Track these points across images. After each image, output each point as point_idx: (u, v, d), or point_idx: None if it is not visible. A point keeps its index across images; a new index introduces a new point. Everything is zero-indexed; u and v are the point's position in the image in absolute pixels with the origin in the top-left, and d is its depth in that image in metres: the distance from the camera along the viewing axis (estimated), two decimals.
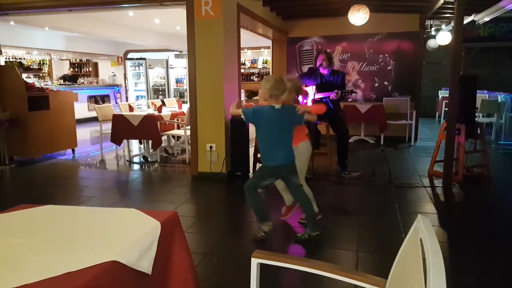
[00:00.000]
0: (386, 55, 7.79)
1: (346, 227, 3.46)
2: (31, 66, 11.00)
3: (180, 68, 12.87)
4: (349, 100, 5.19)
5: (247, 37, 7.14)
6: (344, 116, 5.22)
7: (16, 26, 7.74)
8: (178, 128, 6.37)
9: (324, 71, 4.82)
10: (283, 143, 2.93)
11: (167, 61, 12.99)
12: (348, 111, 7.05)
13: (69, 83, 11.46)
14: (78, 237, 1.52)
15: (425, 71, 9.16)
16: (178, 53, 13.10)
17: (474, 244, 3.09)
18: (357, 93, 7.13)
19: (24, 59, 10.86)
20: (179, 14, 5.28)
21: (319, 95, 4.79)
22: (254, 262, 1.52)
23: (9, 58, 10.18)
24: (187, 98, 11.57)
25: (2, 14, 5.54)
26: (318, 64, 4.83)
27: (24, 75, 7.47)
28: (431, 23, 8.66)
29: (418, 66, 7.72)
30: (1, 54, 5.81)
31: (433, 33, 8.66)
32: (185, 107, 6.36)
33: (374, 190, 4.53)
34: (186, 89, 12.40)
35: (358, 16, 5.87)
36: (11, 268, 1.25)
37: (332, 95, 4.65)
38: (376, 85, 7.94)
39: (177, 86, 13.06)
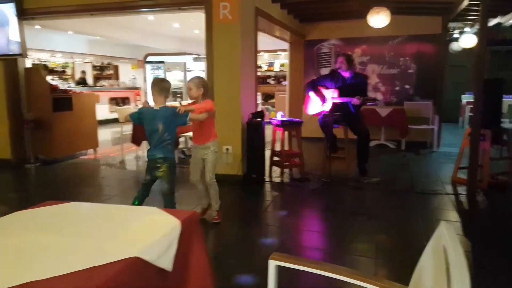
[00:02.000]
0: (407, 58, 7.66)
1: (365, 232, 3.41)
2: (55, 69, 11.35)
3: (197, 71, 13.01)
4: (369, 104, 5.11)
5: (264, 40, 7.16)
6: (364, 119, 5.15)
7: (41, 30, 7.99)
8: None
9: (345, 74, 4.77)
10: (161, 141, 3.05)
11: (185, 65, 13.15)
12: (368, 114, 6.94)
13: (82, 85, 11.58)
14: (101, 233, 1.56)
15: (448, 75, 8.96)
16: (196, 56, 13.24)
17: (500, 254, 2.99)
18: (378, 101, 7.02)
19: (48, 61, 11.19)
20: (197, 18, 5.34)
21: (339, 99, 4.74)
22: (272, 264, 1.52)
23: (34, 61, 10.51)
24: None
25: (28, 18, 5.72)
26: (337, 66, 4.80)
27: (48, 77, 7.69)
28: (454, 25, 8.47)
29: (441, 69, 7.55)
30: (27, 56, 5.98)
31: (456, 35, 8.48)
32: None
33: (395, 196, 4.44)
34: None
35: (378, 19, 5.81)
36: (36, 261, 1.30)
37: (354, 101, 4.58)
38: (397, 88, 7.83)
39: None
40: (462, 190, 4.54)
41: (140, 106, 3.24)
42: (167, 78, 4.63)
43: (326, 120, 4.81)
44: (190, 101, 3.57)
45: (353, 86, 4.73)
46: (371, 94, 7.17)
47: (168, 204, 3.16)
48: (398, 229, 3.49)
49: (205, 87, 3.40)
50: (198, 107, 3.24)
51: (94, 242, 1.46)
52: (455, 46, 8.61)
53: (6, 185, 5.20)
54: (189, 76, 13.14)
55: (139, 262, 1.33)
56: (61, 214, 1.78)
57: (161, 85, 3.06)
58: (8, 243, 1.44)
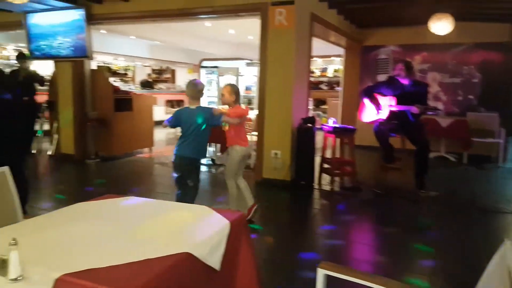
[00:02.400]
0: (472, 66, 7.20)
1: (419, 249, 3.22)
2: (117, 71, 12.09)
3: (250, 76, 13.17)
4: (429, 113, 4.84)
5: (318, 45, 7.08)
6: (423, 129, 4.88)
7: (106, 34, 8.55)
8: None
9: (404, 81, 4.56)
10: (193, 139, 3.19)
11: (238, 69, 13.38)
12: (428, 125, 6.59)
13: (147, 88, 12.24)
14: (156, 227, 1.61)
15: None
16: (249, 61, 13.42)
17: None
18: (440, 110, 6.65)
19: (112, 64, 11.95)
20: (252, 24, 5.42)
21: (398, 107, 4.54)
22: (321, 273, 1.50)
23: (99, 63, 11.28)
24: (255, 105, 11.80)
25: (95, 23, 6.15)
26: (395, 73, 4.61)
27: (111, 79, 8.20)
28: None
29: (509, 79, 7.00)
30: (93, 59, 6.43)
31: None
32: (253, 114, 6.47)
33: (454, 212, 4.17)
34: (254, 96, 12.64)
35: (441, 25, 5.53)
36: (97, 250, 1.37)
37: (413, 109, 4.37)
38: (460, 98, 7.38)
39: (245, 93, 13.36)
40: None
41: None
42: (238, 84, 4.88)
43: (381, 128, 4.63)
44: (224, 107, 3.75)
45: (412, 94, 4.51)
46: (431, 103, 6.80)
47: (188, 198, 3.29)
48: (456, 246, 3.27)
49: (237, 94, 3.56)
50: (232, 111, 3.42)
51: (149, 235, 1.52)
52: None
53: (69, 178, 5.61)
54: (241, 80, 13.37)
55: (190, 258, 1.36)
56: (120, 207, 1.87)
57: (196, 88, 3.27)
58: (70, 232, 1.53)
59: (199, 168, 3.41)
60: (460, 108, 7.36)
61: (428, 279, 2.65)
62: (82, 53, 5.99)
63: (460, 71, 7.31)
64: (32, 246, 1.35)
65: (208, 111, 3.23)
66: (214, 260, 1.50)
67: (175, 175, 3.37)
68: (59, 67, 6.46)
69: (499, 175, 6.07)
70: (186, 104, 3.42)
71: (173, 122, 3.32)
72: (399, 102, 4.53)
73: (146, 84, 12.31)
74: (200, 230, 1.61)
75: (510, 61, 6.98)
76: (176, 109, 3.56)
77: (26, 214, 2.60)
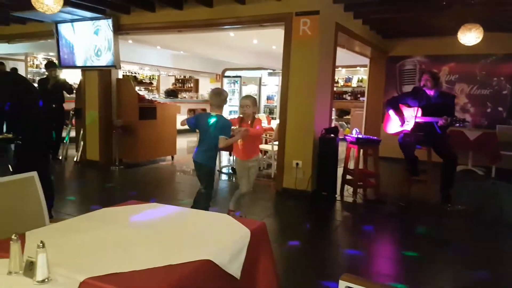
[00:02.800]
0: (502, 78, 6.98)
1: (445, 264, 3.12)
2: (143, 80, 12.39)
3: (272, 86, 13.23)
4: (457, 125, 4.70)
5: (342, 55, 7.04)
6: (450, 142, 4.74)
7: (132, 44, 8.76)
8: (266, 143, 6.50)
9: (430, 92, 4.46)
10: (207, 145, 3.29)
11: (260, 79, 13.47)
12: (455, 137, 6.40)
13: (171, 97, 12.47)
14: (178, 233, 1.62)
15: None
16: (271, 71, 13.49)
17: None
18: (468, 122, 6.46)
19: (137, 73, 12.26)
20: (276, 34, 5.44)
21: (423, 119, 4.43)
22: (342, 285, 1.46)
23: (125, 72, 11.58)
24: (276, 115, 11.78)
25: (123, 34, 6.33)
26: (421, 84, 4.51)
27: (136, 88, 8.39)
28: None
29: None
30: (120, 68, 6.61)
31: None
32: (274, 123, 6.48)
33: (480, 227, 4.02)
34: (276, 106, 12.66)
35: (470, 36, 5.37)
36: (121, 255, 1.39)
37: (441, 122, 4.25)
38: (488, 110, 7.15)
39: (267, 102, 13.43)
40: None
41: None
42: (260, 94, 4.85)
43: (406, 140, 4.53)
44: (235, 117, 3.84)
45: (439, 106, 4.39)
46: (459, 115, 6.61)
47: (201, 202, 3.38)
48: (483, 262, 3.14)
49: (257, 106, 3.65)
50: (254, 132, 3.48)
51: (171, 241, 1.52)
52: None
53: (94, 184, 5.73)
54: (264, 90, 13.44)
55: (211, 265, 1.36)
56: (142, 213, 1.89)
57: (220, 97, 3.34)
58: (95, 236, 1.56)
59: (211, 175, 3.44)
60: (488, 120, 7.13)
61: None
62: (109, 63, 6.16)
63: (489, 83, 7.09)
64: (58, 249, 1.38)
65: (225, 123, 3.27)
66: (235, 269, 1.49)
67: None
68: (86, 76, 6.67)
69: None
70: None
71: (192, 123, 3.42)
72: (424, 114, 4.41)
73: (170, 93, 12.56)
74: (221, 238, 1.61)
75: None
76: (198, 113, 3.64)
77: (52, 218, 2.68)
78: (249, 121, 3.52)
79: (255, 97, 3.84)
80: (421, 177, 4.87)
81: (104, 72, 6.43)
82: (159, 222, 1.78)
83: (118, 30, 6.09)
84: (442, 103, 4.41)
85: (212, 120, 3.24)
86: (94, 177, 6.08)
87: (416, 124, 4.40)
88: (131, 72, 12.02)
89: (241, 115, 3.63)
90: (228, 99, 3.60)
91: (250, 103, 3.50)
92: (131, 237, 1.55)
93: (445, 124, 4.24)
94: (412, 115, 4.48)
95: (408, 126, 4.56)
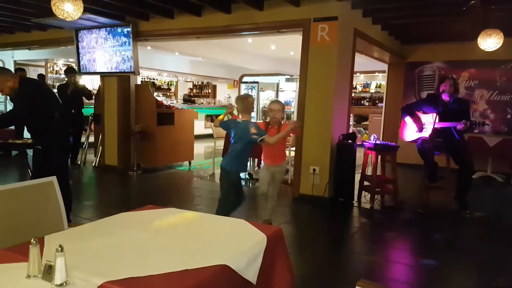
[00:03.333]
0: None
1: (461, 270, 3.09)
2: (161, 86, 12.56)
3: (289, 91, 13.22)
4: (475, 131, 4.63)
5: (360, 61, 6.98)
6: (468, 148, 4.66)
7: (151, 51, 8.92)
8: None
9: (446, 98, 4.40)
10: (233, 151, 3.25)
11: (277, 85, 13.49)
12: (474, 143, 6.28)
13: (189, 103, 12.58)
14: (195, 238, 1.64)
15: None
16: (289, 77, 13.50)
17: None
18: (489, 125, 6.35)
19: (156, 79, 12.45)
20: (294, 40, 5.45)
21: (442, 124, 4.36)
22: None
23: (144, 78, 11.77)
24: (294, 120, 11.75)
25: (142, 40, 6.45)
26: (441, 89, 4.44)
27: (155, 94, 8.53)
28: None
29: None
30: (139, 74, 6.73)
31: None
32: None
33: (499, 234, 3.95)
34: (293, 112, 12.64)
35: (490, 42, 5.26)
36: (138, 260, 1.41)
37: (460, 126, 4.19)
38: (509, 116, 6.96)
39: (286, 109, 13.42)
40: None
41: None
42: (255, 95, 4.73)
43: (425, 146, 4.46)
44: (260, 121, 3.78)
45: (455, 111, 4.33)
46: (478, 119, 6.49)
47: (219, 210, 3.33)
48: (500, 269, 3.08)
49: (284, 112, 3.58)
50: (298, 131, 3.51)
51: (188, 246, 1.54)
52: None
53: (112, 188, 5.82)
54: (281, 95, 13.45)
55: (227, 270, 1.36)
56: (160, 218, 1.92)
57: (246, 102, 3.29)
58: (113, 241, 1.59)
59: (234, 184, 3.36)
60: (508, 126, 6.94)
61: None
62: (128, 69, 6.29)
63: (510, 89, 6.92)
64: (77, 253, 1.40)
65: (251, 126, 3.17)
66: (251, 274, 1.49)
67: None
68: (105, 82, 6.81)
69: None
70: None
71: (224, 126, 3.42)
72: (442, 119, 4.36)
73: (187, 99, 12.66)
74: (237, 243, 1.61)
75: None
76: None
77: (70, 222, 2.73)
78: (276, 127, 3.46)
79: (282, 102, 3.75)
80: (440, 184, 4.80)
81: (123, 78, 6.56)
82: (177, 227, 1.80)
83: (137, 36, 6.20)
84: (458, 108, 4.36)
85: (240, 126, 3.21)
86: (112, 182, 6.18)
87: (435, 130, 4.33)
88: (150, 78, 12.21)
89: (266, 120, 3.62)
90: (263, 105, 3.58)
91: (280, 108, 3.45)
92: (148, 242, 1.57)
93: (464, 128, 4.17)
94: (431, 121, 4.41)
95: (426, 132, 4.50)
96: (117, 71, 6.42)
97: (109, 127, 6.76)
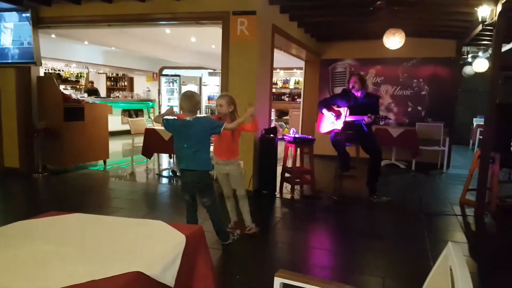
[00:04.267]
0: (421, 80, 7.63)
1: (373, 252, 3.35)
2: (69, 78, 11.51)
3: (212, 86, 13.13)
4: (381, 123, 5.11)
5: (280, 57, 7.19)
6: (376, 138, 5.10)
7: (56, 39, 8.13)
8: None
9: (357, 94, 4.74)
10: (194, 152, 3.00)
11: (200, 79, 13.29)
12: (380, 134, 6.89)
13: (94, 96, 11.10)
14: (104, 246, 1.50)
15: (460, 98, 8.89)
16: (212, 71, 13.38)
17: (506, 276, 2.92)
18: (390, 119, 7.01)
19: (62, 71, 11.38)
20: (215, 33, 5.38)
21: (351, 118, 4.70)
22: (277, 282, 1.50)
23: (48, 70, 10.69)
24: None
25: (43, 27, 5.81)
26: (350, 86, 4.77)
27: (61, 87, 7.79)
28: (468, 49, 8.43)
29: (453, 92, 7.51)
30: (41, 65, 6.05)
31: (469, 59, 8.43)
32: None
33: (404, 216, 4.37)
34: None
35: (394, 40, 5.79)
36: (38, 273, 1.25)
37: (366, 119, 4.55)
38: (409, 109, 7.76)
39: (209, 103, 13.30)
40: (470, 212, 4.51)
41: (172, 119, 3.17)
42: (200, 94, 4.37)
43: (337, 138, 4.76)
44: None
45: (365, 106, 4.70)
46: (383, 113, 7.13)
47: (213, 215, 3.20)
48: (405, 249, 3.42)
49: (235, 105, 3.38)
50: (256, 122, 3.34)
51: (96, 255, 1.40)
52: (468, 70, 8.55)
53: (12, 194, 5.17)
54: (204, 90, 13.27)
55: (141, 277, 1.27)
56: (64, 225, 1.73)
57: (194, 101, 3.01)
58: (7, 253, 1.39)
59: (210, 181, 3.21)
60: (410, 118, 7.75)
61: (381, 280, 2.72)
62: (28, 59, 5.63)
63: (411, 84, 7.70)
64: None
65: (207, 121, 3.05)
66: (168, 277, 1.42)
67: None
68: (1, 73, 5.97)
69: (444, 180, 6.47)
70: (151, 114, 3.20)
71: (168, 126, 3.06)
72: (352, 113, 4.70)
73: (91, 92, 11.34)
74: (153, 247, 1.52)
75: (455, 75, 7.49)
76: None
77: None
78: (229, 119, 3.30)
79: (230, 95, 3.53)
80: (351, 172, 5.18)
81: (22, 70, 5.84)
82: (83, 234, 1.63)
83: (38, 23, 5.58)
84: (368, 103, 4.72)
85: (193, 124, 2.95)
86: (12, 187, 5.49)
87: (346, 123, 4.65)
88: (56, 70, 11.12)
89: (216, 114, 3.41)
90: (166, 99, 3.33)
91: (223, 102, 3.29)
92: (49, 253, 1.39)
93: (370, 121, 4.54)
94: (343, 115, 4.72)
95: (339, 125, 4.80)
96: (15, 61, 5.71)
97: (7, 125, 5.98)
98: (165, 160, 7.44)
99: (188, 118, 2.98)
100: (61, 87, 7.68)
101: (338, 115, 4.85)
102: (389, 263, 3.09)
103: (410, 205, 4.67)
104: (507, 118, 4.50)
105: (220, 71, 5.10)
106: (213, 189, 3.23)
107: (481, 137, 8.43)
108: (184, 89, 13.28)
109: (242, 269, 2.91)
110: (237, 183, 3.53)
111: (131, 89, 13.70)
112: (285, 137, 5.20)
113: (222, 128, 2.99)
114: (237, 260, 3.11)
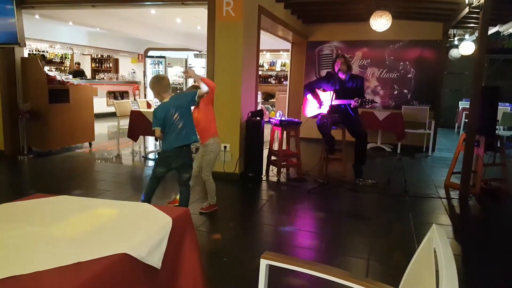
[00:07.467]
0: (407, 62, 7.67)
1: (358, 234, 3.42)
2: (53, 60, 11.24)
3: (198, 68, 12.95)
4: (367, 107, 5.15)
5: (266, 39, 7.13)
6: (362, 121, 5.15)
7: (40, 20, 7.91)
8: None
9: (342, 76, 4.76)
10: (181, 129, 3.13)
11: (186, 60, 13.10)
12: (366, 117, 6.95)
13: (79, 77, 11.02)
14: (90, 228, 1.52)
15: (446, 81, 8.99)
16: (198, 53, 13.19)
17: (489, 258, 3.00)
18: (377, 103, 7.06)
19: (47, 52, 11.09)
20: (200, 14, 5.30)
21: (338, 101, 4.72)
22: (263, 263, 1.51)
23: (32, 51, 10.41)
24: None
25: (27, 7, 5.66)
26: (336, 69, 4.78)
27: (46, 68, 7.62)
28: (455, 32, 8.48)
29: (439, 75, 7.57)
30: (25, 46, 5.91)
31: (456, 42, 8.49)
32: None
33: (389, 199, 4.45)
34: None
35: (380, 22, 5.79)
36: (23, 255, 1.26)
37: (353, 103, 4.58)
38: (396, 92, 7.83)
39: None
40: (454, 194, 4.60)
41: (157, 101, 3.21)
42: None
43: (324, 122, 4.80)
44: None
45: (351, 89, 4.73)
46: (369, 97, 7.17)
47: (185, 192, 3.30)
48: (390, 231, 3.51)
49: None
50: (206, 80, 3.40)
51: (82, 236, 1.42)
52: (454, 53, 8.63)
53: None
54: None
55: (127, 259, 1.30)
56: (50, 207, 1.74)
57: (163, 83, 3.14)
58: None
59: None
60: (396, 101, 7.82)
61: (365, 261, 2.80)
62: (12, 40, 5.48)
63: (397, 67, 7.74)
64: None
65: (181, 96, 3.22)
66: (155, 259, 1.45)
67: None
68: None
69: (429, 163, 6.56)
70: (137, 96, 3.28)
71: (162, 124, 3.05)
72: (338, 97, 4.72)
73: (76, 73, 11.15)
74: (140, 229, 1.54)
75: (441, 58, 7.53)
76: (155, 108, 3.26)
77: None
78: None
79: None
80: (337, 155, 5.25)
81: (5, 51, 5.71)
82: (69, 216, 1.65)
83: (22, 3, 5.45)
84: (354, 86, 4.74)
85: (174, 101, 3.08)
86: None
87: (332, 106, 4.67)
88: (40, 51, 10.83)
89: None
90: (171, 81, 3.40)
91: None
92: (34, 235, 1.41)
93: (357, 105, 4.57)
94: (328, 98, 4.74)
95: (325, 109, 4.83)
96: None
97: None
98: (151, 143, 7.41)
99: (165, 101, 3.10)
100: (46, 68, 7.51)
101: (320, 104, 4.88)
102: (374, 245, 3.15)
103: (395, 187, 4.75)
104: (492, 101, 4.52)
105: (206, 53, 5.05)
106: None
107: (466, 120, 8.57)
108: (170, 71, 13.10)
109: (228, 251, 2.96)
110: (205, 165, 3.63)
111: (116, 70, 13.45)
112: (271, 120, 5.22)
113: (196, 96, 3.11)
114: (224, 242, 3.17)
